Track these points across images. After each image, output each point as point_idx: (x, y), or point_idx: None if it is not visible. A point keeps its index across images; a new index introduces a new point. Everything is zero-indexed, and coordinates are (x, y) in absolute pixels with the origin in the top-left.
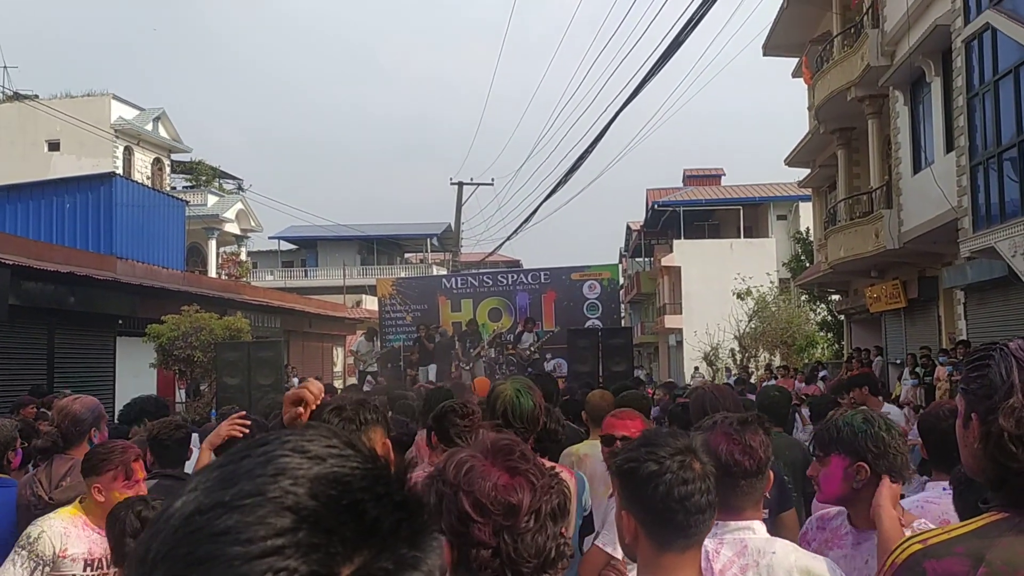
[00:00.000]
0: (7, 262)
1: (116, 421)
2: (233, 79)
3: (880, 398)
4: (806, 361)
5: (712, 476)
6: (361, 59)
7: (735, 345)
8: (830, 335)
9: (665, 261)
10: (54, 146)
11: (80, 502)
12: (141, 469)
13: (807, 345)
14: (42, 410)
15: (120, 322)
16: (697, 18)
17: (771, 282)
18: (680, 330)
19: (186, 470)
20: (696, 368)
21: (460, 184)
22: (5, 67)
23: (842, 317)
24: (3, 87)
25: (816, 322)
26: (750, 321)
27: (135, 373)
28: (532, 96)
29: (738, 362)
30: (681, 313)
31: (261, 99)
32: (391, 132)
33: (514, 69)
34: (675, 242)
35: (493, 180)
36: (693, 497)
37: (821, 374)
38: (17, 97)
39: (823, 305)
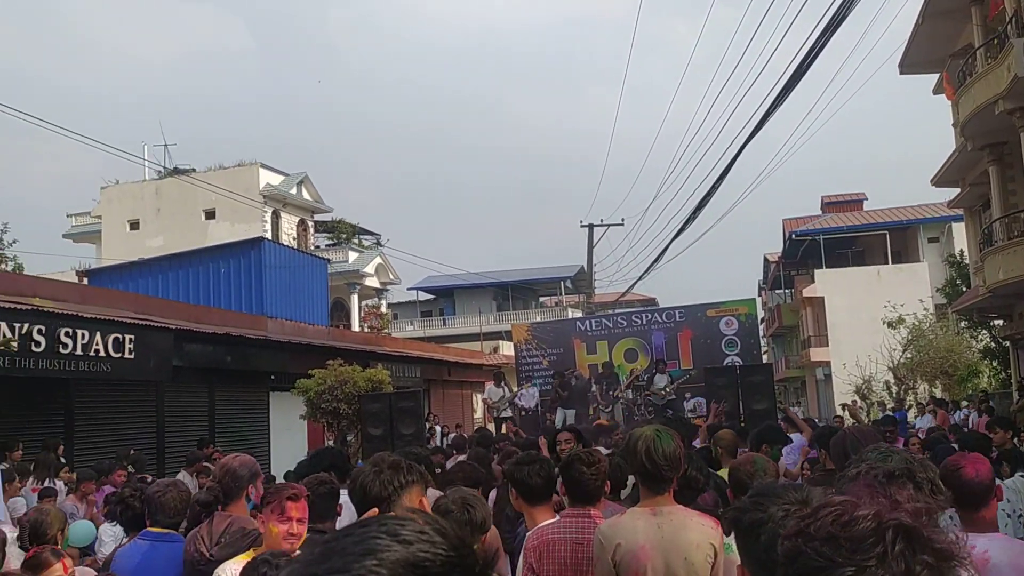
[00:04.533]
0: (171, 327)
1: (294, 473)
2: (366, 136)
3: None
4: (970, 392)
5: None
6: (488, 108)
7: (890, 377)
8: (995, 363)
9: (807, 292)
10: (210, 215)
11: (254, 549)
12: (296, 509)
13: (970, 375)
14: (205, 464)
15: (272, 378)
16: (820, 45)
17: (925, 309)
18: (828, 363)
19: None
20: (854, 401)
21: (591, 226)
22: (166, 145)
23: (1007, 343)
24: (164, 164)
25: (978, 350)
26: (905, 351)
27: (287, 426)
28: (657, 133)
29: (894, 395)
30: (827, 345)
31: (392, 153)
32: (520, 178)
33: (637, 108)
34: (816, 272)
35: (623, 220)
36: None
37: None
38: (176, 171)
39: (985, 331)
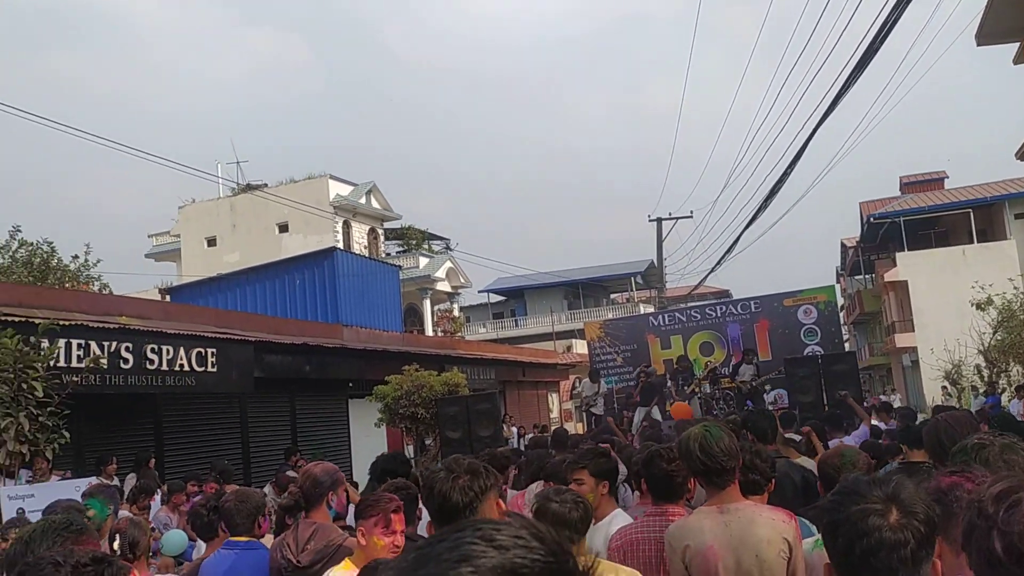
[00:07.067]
0: (251, 339)
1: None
2: (432, 141)
3: None
4: None
5: (910, 529)
6: (545, 102)
7: (980, 360)
8: None
9: (889, 276)
10: (283, 228)
11: (352, 558)
12: (401, 521)
13: None
14: (290, 474)
15: (350, 385)
16: (892, 21)
17: (1016, 288)
18: (914, 348)
19: (419, 531)
20: (944, 388)
21: (659, 220)
22: (238, 162)
23: None
24: (237, 181)
25: None
26: (995, 333)
27: (366, 432)
28: (723, 122)
29: (986, 379)
30: (913, 330)
31: (458, 157)
32: (586, 175)
33: (701, 98)
34: (898, 255)
35: (692, 213)
36: (880, 552)
37: None
38: (249, 188)
39: None
